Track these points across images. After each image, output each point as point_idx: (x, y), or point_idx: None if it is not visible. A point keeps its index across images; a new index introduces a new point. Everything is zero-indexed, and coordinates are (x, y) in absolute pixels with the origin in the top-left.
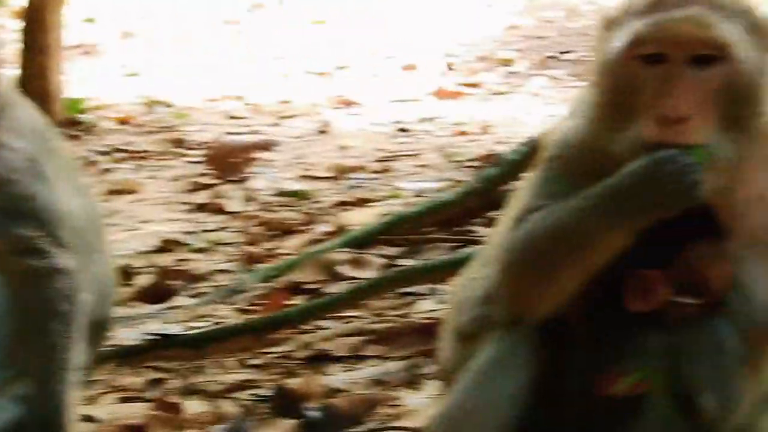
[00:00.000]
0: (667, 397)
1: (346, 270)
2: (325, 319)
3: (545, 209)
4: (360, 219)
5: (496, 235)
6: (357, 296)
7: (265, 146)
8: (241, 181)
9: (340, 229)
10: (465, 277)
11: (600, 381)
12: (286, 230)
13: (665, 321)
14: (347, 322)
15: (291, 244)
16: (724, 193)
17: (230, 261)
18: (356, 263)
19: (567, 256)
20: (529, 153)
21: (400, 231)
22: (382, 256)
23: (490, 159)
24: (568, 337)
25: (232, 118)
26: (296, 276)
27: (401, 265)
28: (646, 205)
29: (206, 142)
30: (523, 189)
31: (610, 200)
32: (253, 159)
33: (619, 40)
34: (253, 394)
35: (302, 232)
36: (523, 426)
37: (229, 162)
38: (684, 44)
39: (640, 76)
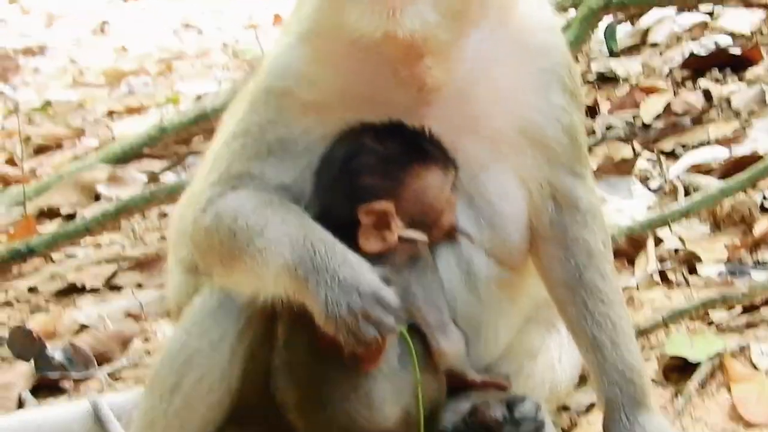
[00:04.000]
0: (405, 340)
1: (105, 189)
2: (77, 246)
3: (246, 199)
4: (132, 129)
5: (202, 170)
6: (106, 220)
7: (34, 52)
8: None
9: (110, 142)
10: (181, 204)
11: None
12: (51, 146)
13: (393, 261)
14: (101, 248)
15: (55, 162)
16: (461, 92)
17: None
18: (116, 181)
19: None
20: None
21: (166, 142)
22: (145, 171)
23: None
24: None
25: None
26: (53, 198)
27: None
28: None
29: None
30: (234, 120)
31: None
32: (17, 67)
33: None
34: None
35: (69, 147)
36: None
37: None
38: None
39: None
